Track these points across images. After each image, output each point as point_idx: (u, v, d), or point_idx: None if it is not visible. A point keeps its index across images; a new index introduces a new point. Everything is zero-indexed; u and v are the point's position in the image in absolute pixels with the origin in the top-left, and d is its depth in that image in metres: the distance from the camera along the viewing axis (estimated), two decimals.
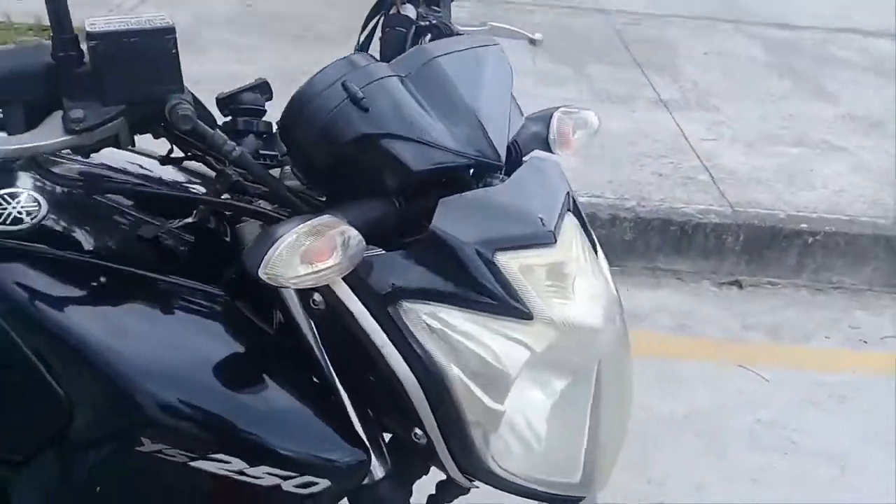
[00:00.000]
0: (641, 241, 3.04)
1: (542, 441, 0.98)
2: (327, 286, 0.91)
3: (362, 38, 1.26)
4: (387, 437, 1.05)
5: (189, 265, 1.00)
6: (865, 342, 2.78)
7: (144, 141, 0.99)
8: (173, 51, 0.85)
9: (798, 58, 4.60)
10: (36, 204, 1.00)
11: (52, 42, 0.84)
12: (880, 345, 2.78)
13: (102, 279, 0.97)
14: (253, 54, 3.84)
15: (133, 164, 1.08)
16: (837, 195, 3.26)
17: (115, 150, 0.93)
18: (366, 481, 1.00)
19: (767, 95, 4.12)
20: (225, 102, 1.06)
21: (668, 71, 4.25)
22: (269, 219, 0.95)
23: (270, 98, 1.08)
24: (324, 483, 0.95)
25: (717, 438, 2.28)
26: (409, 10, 1.22)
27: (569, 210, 1.01)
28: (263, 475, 0.94)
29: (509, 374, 0.92)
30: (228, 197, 0.97)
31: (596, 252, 1.05)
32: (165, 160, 1.02)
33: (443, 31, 1.22)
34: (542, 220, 0.95)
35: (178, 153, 1.01)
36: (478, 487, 1.04)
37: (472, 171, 0.98)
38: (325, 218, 0.87)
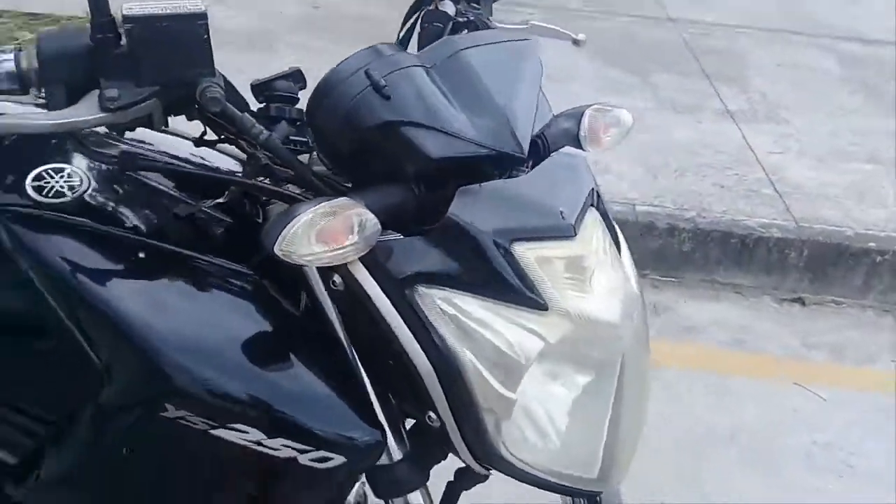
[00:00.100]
0: (700, 252, 2.97)
1: (560, 434, 0.98)
2: (346, 268, 0.93)
3: (402, 34, 1.28)
4: (409, 424, 1.06)
5: (222, 245, 1.03)
6: None
7: (180, 125, 1.03)
8: (205, 35, 0.88)
9: (871, 72, 4.44)
10: (78, 179, 1.04)
11: (90, 25, 0.88)
12: None
13: (140, 254, 1.01)
14: (327, 56, 3.89)
15: (169, 145, 1.12)
16: None
17: (151, 131, 0.97)
18: (383, 462, 1.01)
19: (839, 109, 3.99)
20: (259, 89, 1.09)
21: (737, 82, 4.15)
22: (295, 201, 0.97)
23: (304, 86, 1.10)
24: (339, 459, 0.97)
25: (768, 456, 2.23)
26: (448, 7, 1.23)
27: (592, 205, 1.01)
28: (280, 447, 0.96)
29: (522, 363, 0.93)
30: (259, 179, 1.00)
31: (619, 249, 1.04)
32: (199, 142, 1.06)
33: (479, 27, 1.22)
34: (562, 213, 0.95)
35: (211, 136, 1.04)
36: (492, 475, 1.05)
37: (493, 163, 0.98)
38: (343, 200, 0.89)
